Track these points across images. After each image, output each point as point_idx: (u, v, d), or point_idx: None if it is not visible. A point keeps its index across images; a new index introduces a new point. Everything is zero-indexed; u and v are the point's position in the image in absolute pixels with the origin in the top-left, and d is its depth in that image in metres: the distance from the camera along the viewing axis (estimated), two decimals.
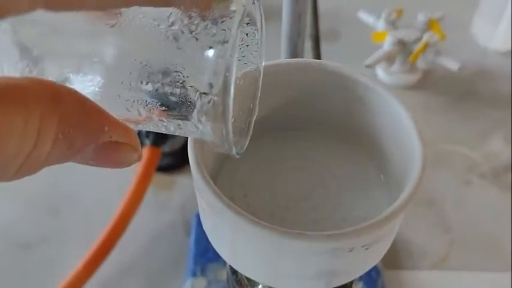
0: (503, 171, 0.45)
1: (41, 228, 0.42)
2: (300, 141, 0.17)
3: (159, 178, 0.44)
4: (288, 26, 0.25)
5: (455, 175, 0.45)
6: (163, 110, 0.14)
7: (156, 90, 0.13)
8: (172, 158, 0.45)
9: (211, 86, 0.13)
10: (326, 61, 0.16)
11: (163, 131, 0.15)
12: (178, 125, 0.14)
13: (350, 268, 0.14)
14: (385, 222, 0.12)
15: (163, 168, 0.45)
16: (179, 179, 0.45)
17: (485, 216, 0.42)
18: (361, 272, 0.15)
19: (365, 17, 0.52)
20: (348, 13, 0.55)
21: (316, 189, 0.16)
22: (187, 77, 0.13)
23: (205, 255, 0.38)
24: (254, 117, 0.14)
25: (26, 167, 0.13)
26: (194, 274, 0.37)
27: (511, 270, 0.39)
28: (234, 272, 0.20)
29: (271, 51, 0.35)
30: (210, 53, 0.13)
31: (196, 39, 0.13)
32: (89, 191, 0.44)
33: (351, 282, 0.20)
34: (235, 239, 0.14)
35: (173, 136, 0.44)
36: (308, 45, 0.34)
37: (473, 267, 0.39)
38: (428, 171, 0.43)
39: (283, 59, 0.25)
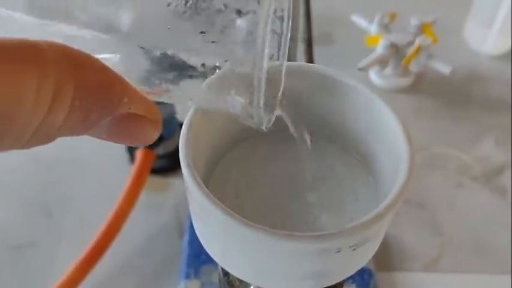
0: (494, 174, 0.46)
1: (34, 229, 0.42)
2: (290, 143, 0.17)
3: (153, 180, 0.44)
4: None
5: (447, 177, 0.45)
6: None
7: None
8: (166, 161, 0.46)
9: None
10: (316, 64, 0.16)
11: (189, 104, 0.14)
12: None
13: (338, 269, 0.14)
14: (372, 223, 0.13)
15: (157, 171, 0.45)
16: (173, 182, 0.45)
17: (477, 219, 0.43)
18: (350, 273, 0.15)
19: (358, 20, 0.52)
20: (341, 17, 0.56)
21: (306, 191, 0.16)
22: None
23: (199, 257, 0.38)
24: (280, 92, 0.14)
25: (40, 135, 0.12)
26: (188, 276, 0.37)
27: (506, 272, 0.39)
28: (225, 273, 0.20)
29: None
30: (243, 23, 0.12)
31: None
32: (83, 192, 0.44)
33: (342, 284, 0.20)
34: (225, 240, 0.14)
35: (167, 139, 0.44)
36: (301, 49, 0.34)
37: (465, 269, 0.40)
38: (420, 174, 0.43)
39: None
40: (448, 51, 0.54)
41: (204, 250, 0.39)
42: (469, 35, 0.57)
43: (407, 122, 0.16)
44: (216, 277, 0.37)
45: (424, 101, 0.52)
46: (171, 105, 0.43)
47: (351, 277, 0.38)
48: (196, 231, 0.16)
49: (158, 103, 0.43)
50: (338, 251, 0.13)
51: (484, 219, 0.43)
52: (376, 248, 0.15)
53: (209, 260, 0.38)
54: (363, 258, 0.14)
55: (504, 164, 0.47)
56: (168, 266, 0.40)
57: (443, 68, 0.48)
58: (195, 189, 0.13)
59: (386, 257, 0.40)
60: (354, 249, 0.13)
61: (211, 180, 0.16)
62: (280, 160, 0.17)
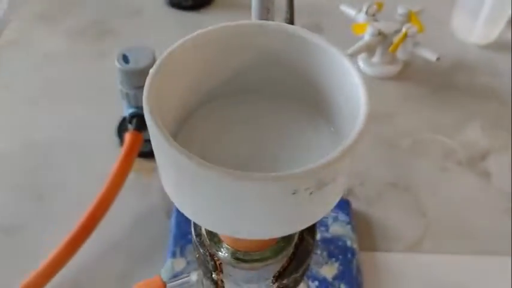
0: (479, 159, 0.47)
1: (23, 212, 0.43)
2: (255, 101, 0.18)
3: (141, 163, 0.45)
4: (257, 19, 0.26)
5: (432, 162, 0.46)
6: None
7: None
8: None
9: None
10: (281, 23, 0.17)
11: None
12: None
13: (296, 214, 0.15)
14: (328, 165, 0.13)
15: (146, 154, 0.46)
16: None
17: (460, 202, 0.43)
18: (310, 221, 0.16)
19: (347, 10, 0.53)
20: (330, 7, 0.56)
21: (271, 146, 0.17)
22: None
23: (185, 237, 0.39)
24: None
25: None
26: (174, 255, 0.38)
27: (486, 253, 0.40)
28: (197, 234, 0.20)
29: None
30: None
31: None
32: (73, 175, 0.45)
33: (312, 249, 0.21)
34: (190, 189, 0.15)
35: None
36: None
37: (447, 251, 0.40)
38: (406, 158, 0.44)
39: None
40: (436, 40, 0.55)
41: (190, 230, 0.40)
42: (456, 25, 0.58)
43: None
44: None
45: (411, 89, 0.53)
46: None
47: (334, 255, 0.39)
48: (167, 191, 0.17)
49: (142, 88, 0.43)
50: (294, 193, 0.13)
51: (467, 202, 0.43)
52: (334, 199, 0.16)
53: None
54: (321, 205, 0.15)
55: (488, 149, 0.47)
56: (155, 245, 0.40)
57: (429, 55, 0.49)
58: (156, 132, 0.14)
59: (370, 237, 0.41)
60: (310, 193, 0.14)
61: (178, 139, 0.17)
62: (244, 119, 0.18)
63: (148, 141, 0.45)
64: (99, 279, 0.39)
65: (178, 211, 0.41)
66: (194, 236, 0.21)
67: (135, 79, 0.42)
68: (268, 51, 0.17)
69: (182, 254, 0.38)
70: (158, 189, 0.44)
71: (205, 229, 0.21)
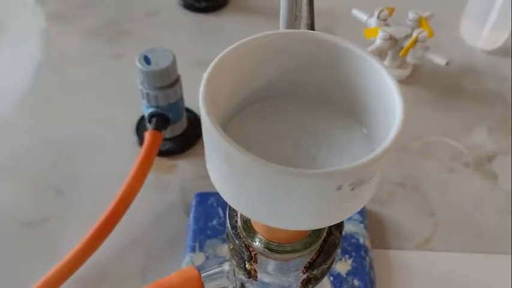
0: (485, 161, 0.48)
1: (44, 208, 0.44)
2: (293, 104, 0.19)
3: (160, 162, 0.47)
4: (286, 27, 0.27)
5: (440, 163, 0.48)
6: None
7: None
8: (173, 143, 0.48)
9: None
10: (317, 32, 0.18)
11: None
12: None
13: (338, 208, 0.16)
14: (370, 163, 0.15)
15: (164, 153, 0.47)
16: (179, 163, 0.47)
17: (468, 202, 0.45)
18: (348, 214, 0.17)
19: (358, 14, 0.55)
20: (342, 11, 0.58)
21: (308, 146, 0.18)
22: None
23: (204, 232, 0.41)
24: None
25: None
26: (193, 249, 0.40)
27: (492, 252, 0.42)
28: (233, 226, 0.22)
29: None
30: None
31: None
32: (93, 173, 0.46)
33: (334, 253, 0.22)
34: (237, 180, 0.16)
35: (174, 122, 0.46)
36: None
37: (455, 249, 0.42)
38: (415, 160, 0.46)
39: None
40: (444, 45, 0.57)
41: (209, 226, 0.41)
42: (464, 30, 0.59)
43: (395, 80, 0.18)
44: (220, 251, 0.40)
45: (420, 92, 0.54)
46: (179, 90, 0.45)
47: (348, 252, 0.40)
48: (212, 179, 0.18)
49: (167, 87, 0.45)
50: (339, 188, 0.15)
51: (474, 202, 0.45)
52: (370, 194, 0.17)
53: (213, 235, 0.41)
54: (358, 200, 0.16)
55: (495, 151, 0.49)
56: (175, 241, 0.42)
57: (439, 60, 0.51)
58: (214, 133, 0.15)
59: (382, 235, 0.42)
60: (352, 189, 0.15)
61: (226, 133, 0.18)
62: (284, 120, 0.19)
63: (166, 140, 0.47)
64: (120, 274, 0.40)
65: (196, 207, 0.42)
66: (230, 228, 0.22)
67: (156, 80, 0.43)
68: (306, 58, 0.19)
69: (201, 249, 0.40)
70: (176, 188, 0.45)
71: (241, 221, 0.22)
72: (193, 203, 0.43)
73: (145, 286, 0.24)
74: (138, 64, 0.43)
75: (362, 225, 0.41)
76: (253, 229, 0.22)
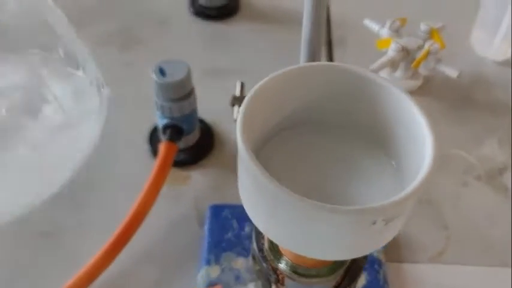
0: (497, 174, 0.48)
1: (61, 218, 0.44)
2: (323, 133, 0.20)
3: (173, 173, 0.47)
4: (309, 34, 0.28)
5: (452, 177, 0.48)
6: None
7: None
8: (187, 154, 0.48)
9: None
10: (347, 64, 0.19)
11: None
12: None
13: (370, 241, 0.16)
14: (405, 200, 0.15)
15: (178, 164, 0.47)
16: (193, 174, 0.47)
17: (480, 215, 0.45)
18: (379, 246, 0.17)
19: (370, 25, 0.55)
20: (354, 22, 0.58)
21: (336, 177, 0.19)
22: None
23: (219, 245, 0.41)
24: None
25: None
26: (208, 262, 0.40)
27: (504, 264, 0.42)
28: (260, 249, 0.22)
29: (292, 55, 0.37)
30: None
31: None
32: (109, 183, 0.47)
33: (360, 271, 0.23)
34: (271, 210, 0.16)
35: (188, 133, 0.47)
36: (323, 51, 0.37)
37: (468, 262, 0.42)
38: None
39: (302, 63, 0.28)
40: (455, 56, 0.57)
41: (224, 238, 0.41)
42: (475, 41, 0.60)
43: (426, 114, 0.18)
44: (235, 263, 0.40)
45: (431, 103, 0.54)
46: (193, 102, 0.45)
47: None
48: (244, 204, 0.18)
49: (182, 99, 0.45)
50: (374, 223, 0.15)
51: (486, 215, 0.45)
52: (400, 226, 0.17)
53: (229, 248, 0.41)
54: (390, 232, 0.17)
55: (505, 164, 0.49)
56: (189, 253, 0.42)
57: (450, 72, 0.51)
58: (251, 165, 0.16)
59: (395, 249, 0.42)
60: (385, 224, 0.15)
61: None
62: (312, 150, 0.19)
63: (179, 150, 0.47)
64: (134, 287, 0.40)
65: (211, 219, 0.42)
66: (257, 251, 0.22)
67: (171, 92, 0.43)
68: (337, 89, 0.19)
69: (217, 262, 0.40)
70: (190, 199, 0.46)
71: (268, 244, 0.22)
72: (208, 215, 0.43)
73: None
74: (153, 76, 0.43)
75: None
76: (280, 252, 0.22)
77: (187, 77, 0.44)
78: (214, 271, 0.39)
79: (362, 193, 0.18)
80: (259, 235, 0.23)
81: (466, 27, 0.60)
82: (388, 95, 0.18)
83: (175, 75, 0.43)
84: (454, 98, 0.55)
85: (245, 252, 0.41)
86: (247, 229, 0.42)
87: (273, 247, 0.22)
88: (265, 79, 0.18)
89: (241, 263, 0.40)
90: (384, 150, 0.19)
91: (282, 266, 0.22)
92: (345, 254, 0.17)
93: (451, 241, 0.44)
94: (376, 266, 0.40)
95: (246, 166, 0.16)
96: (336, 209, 0.15)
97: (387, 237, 0.17)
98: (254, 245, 0.22)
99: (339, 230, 0.16)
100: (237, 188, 0.45)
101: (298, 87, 0.19)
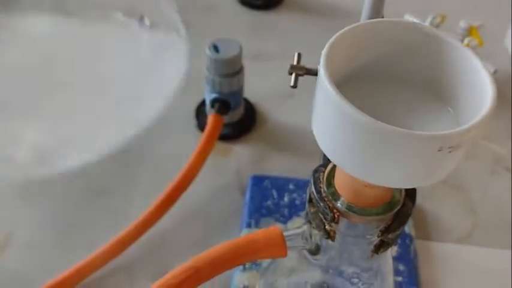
0: None
1: (113, 181, 0.47)
2: (388, 83, 0.22)
3: (218, 145, 0.50)
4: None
5: (483, 166, 0.50)
6: None
7: None
8: (230, 129, 0.51)
9: None
10: (418, 22, 0.21)
11: None
12: None
13: (434, 168, 0.19)
14: (469, 130, 0.18)
15: (222, 137, 0.50)
16: (236, 148, 0.50)
17: (508, 202, 0.47)
18: (440, 177, 0.20)
19: (411, 19, 0.57)
20: (394, 15, 0.60)
21: (401, 118, 0.21)
22: None
23: (259, 211, 0.44)
24: None
25: None
26: (249, 225, 0.43)
27: None
28: (318, 190, 0.25)
29: None
30: None
31: None
32: (154, 150, 0.50)
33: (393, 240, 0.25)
34: (350, 138, 0.19)
35: (234, 109, 0.50)
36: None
37: (494, 245, 0.44)
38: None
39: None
40: (490, 54, 0.59)
41: (264, 205, 0.44)
42: (510, 40, 0.61)
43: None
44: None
45: None
46: (242, 79, 0.49)
47: None
48: (316, 133, 0.21)
49: (232, 75, 0.48)
50: (439, 150, 0.18)
51: None
52: (459, 161, 0.20)
53: (268, 214, 0.44)
54: (452, 162, 0.19)
55: None
56: (231, 216, 0.45)
57: (487, 68, 0.53)
58: (332, 93, 0.18)
59: (425, 228, 0.45)
60: (450, 151, 0.18)
61: None
62: (380, 95, 0.22)
63: (224, 125, 0.50)
64: (180, 242, 0.43)
65: (252, 188, 0.45)
66: (315, 192, 0.25)
67: (223, 67, 0.46)
68: (404, 44, 0.22)
69: (257, 225, 0.43)
70: (232, 170, 0.49)
71: (325, 186, 0.25)
72: (249, 184, 0.46)
73: (233, 239, 0.27)
74: (207, 52, 0.46)
75: None
76: (337, 193, 0.25)
77: (239, 55, 0.47)
78: None
79: (420, 130, 0.20)
80: (317, 180, 0.25)
81: (502, 26, 0.62)
82: (451, 49, 0.21)
83: (227, 52, 0.46)
84: None
85: (283, 219, 0.43)
86: (286, 199, 0.45)
87: (330, 189, 0.25)
88: (344, 29, 0.21)
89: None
90: (442, 99, 0.22)
91: (338, 205, 0.24)
92: (410, 180, 0.20)
93: (478, 225, 0.46)
94: (407, 240, 0.42)
95: (329, 97, 0.19)
96: (411, 134, 0.17)
97: (447, 168, 0.20)
98: (312, 188, 0.25)
99: (408, 155, 0.18)
100: (276, 162, 0.48)
101: (370, 40, 0.22)
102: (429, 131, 0.18)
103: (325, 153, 0.21)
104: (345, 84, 0.22)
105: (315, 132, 0.22)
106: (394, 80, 0.23)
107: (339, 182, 0.25)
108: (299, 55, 0.33)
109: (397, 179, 0.20)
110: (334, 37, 0.20)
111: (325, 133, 0.21)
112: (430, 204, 0.47)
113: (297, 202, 0.44)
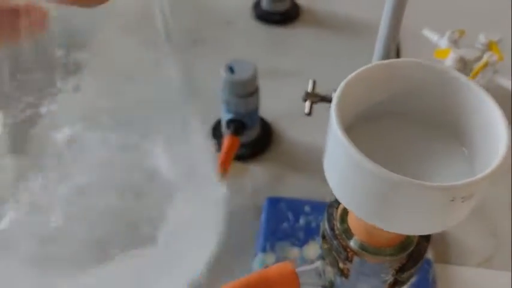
0: None
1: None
2: (401, 123, 0.22)
3: (234, 165, 0.50)
4: (386, 31, 0.30)
5: (505, 189, 0.49)
6: None
7: None
8: (247, 149, 0.51)
9: None
10: (435, 63, 0.21)
11: None
12: None
13: (447, 217, 0.19)
14: (483, 179, 0.17)
15: (238, 157, 0.50)
16: (252, 168, 0.50)
17: None
18: (453, 223, 0.19)
19: (429, 34, 0.56)
20: (412, 30, 0.59)
21: (412, 162, 0.21)
22: None
23: (275, 234, 0.43)
24: None
25: None
26: (264, 249, 0.42)
27: None
28: (331, 228, 0.24)
29: (350, 59, 0.38)
30: None
31: None
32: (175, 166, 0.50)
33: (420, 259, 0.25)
34: (361, 184, 0.19)
35: (250, 128, 0.49)
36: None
37: None
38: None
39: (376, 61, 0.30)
40: (508, 69, 0.57)
41: (279, 228, 0.44)
42: None
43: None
44: (289, 253, 0.42)
45: None
46: (257, 99, 0.48)
47: None
48: (329, 178, 0.21)
49: (247, 96, 0.47)
50: (452, 200, 0.17)
51: None
52: (473, 205, 0.19)
53: (284, 238, 0.43)
54: (464, 211, 0.19)
55: None
56: (246, 239, 0.45)
57: (506, 84, 0.52)
58: (344, 142, 0.18)
59: (445, 251, 0.44)
60: (462, 201, 0.18)
61: None
62: (394, 135, 0.22)
63: (241, 145, 0.50)
64: None
65: (268, 210, 0.45)
66: (328, 230, 0.25)
67: (238, 89, 0.46)
68: (417, 83, 0.21)
69: (272, 250, 0.42)
70: (248, 191, 0.48)
71: (339, 224, 0.25)
72: (265, 205, 0.46)
73: (244, 277, 0.26)
74: (222, 73, 0.46)
75: None
76: (351, 232, 0.24)
77: (254, 76, 0.46)
78: (270, 258, 0.42)
79: (435, 175, 0.20)
80: (331, 216, 0.25)
81: None
82: (466, 90, 0.20)
83: (242, 74, 0.46)
84: (507, 111, 0.56)
85: (299, 242, 0.43)
86: (301, 221, 0.44)
87: (344, 227, 0.24)
88: (358, 70, 0.20)
89: (294, 253, 0.42)
90: (457, 139, 0.21)
91: (351, 243, 0.24)
92: (421, 228, 0.19)
93: (499, 249, 0.44)
94: (426, 266, 0.41)
95: (340, 143, 0.18)
96: (423, 185, 0.17)
97: (460, 216, 0.19)
98: (326, 225, 0.25)
99: (420, 205, 0.18)
100: (292, 183, 0.48)
101: (385, 79, 0.21)
102: (444, 176, 0.18)
103: (335, 195, 0.21)
104: (359, 124, 0.22)
105: (325, 171, 0.21)
106: (409, 119, 0.22)
107: (352, 220, 0.24)
108: (314, 82, 0.33)
109: (407, 227, 0.19)
110: (347, 78, 0.20)
111: (335, 174, 0.20)
112: (452, 227, 0.45)
113: (313, 225, 0.44)
